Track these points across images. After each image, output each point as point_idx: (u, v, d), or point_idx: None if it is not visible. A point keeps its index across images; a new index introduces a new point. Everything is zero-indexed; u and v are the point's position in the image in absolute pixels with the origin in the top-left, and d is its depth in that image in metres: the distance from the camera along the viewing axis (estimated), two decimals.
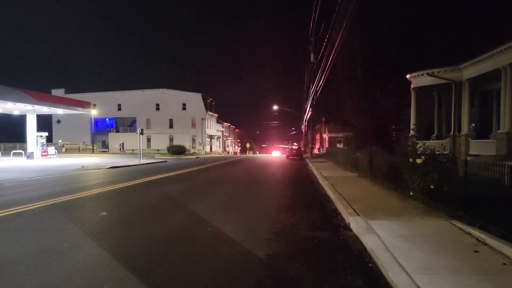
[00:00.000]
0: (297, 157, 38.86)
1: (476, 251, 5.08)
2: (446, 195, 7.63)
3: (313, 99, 38.13)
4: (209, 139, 67.08)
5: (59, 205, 9.06)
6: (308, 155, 42.24)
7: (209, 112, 65.31)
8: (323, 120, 58.12)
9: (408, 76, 24.03)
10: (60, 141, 54.40)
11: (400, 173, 10.13)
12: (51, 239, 5.99)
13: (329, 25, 19.57)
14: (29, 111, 31.82)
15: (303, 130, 55.38)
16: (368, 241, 5.60)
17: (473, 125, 23.92)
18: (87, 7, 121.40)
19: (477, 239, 5.62)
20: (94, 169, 21.05)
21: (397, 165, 10.80)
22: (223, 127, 77.04)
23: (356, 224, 6.71)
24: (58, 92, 60.30)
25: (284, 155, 53.11)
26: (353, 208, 8.17)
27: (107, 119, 68.76)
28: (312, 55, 34.72)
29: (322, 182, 14.29)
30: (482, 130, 23.01)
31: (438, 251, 5.06)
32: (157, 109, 64.48)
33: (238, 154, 73.20)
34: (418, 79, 23.32)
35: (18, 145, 42.17)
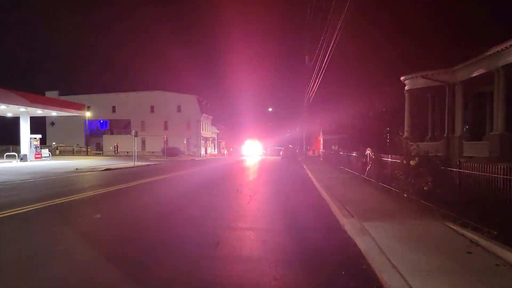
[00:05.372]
0: (292, 158, 38.89)
1: (469, 252, 5.11)
2: (440, 197, 7.66)
3: (308, 101, 38.20)
4: (204, 141, 66.92)
5: (53, 207, 8.99)
6: (303, 156, 42.32)
7: (204, 114, 65.16)
8: (318, 122, 58.21)
9: (402, 78, 24.15)
10: (54, 143, 54.02)
11: (395, 175, 10.17)
12: (45, 242, 5.95)
13: (324, 27, 19.61)
14: (22, 113, 31.57)
15: (299, 132, 55.45)
16: (362, 243, 5.62)
17: (467, 127, 24.03)
18: (80, 9, 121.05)
19: (471, 241, 5.65)
20: (88, 171, 20.93)
21: (391, 167, 10.86)
22: (218, 129, 76.87)
23: (350, 226, 6.72)
24: (52, 94, 59.84)
25: (272, 156, 53.13)
26: (347, 210, 8.19)
27: (101, 121, 68.41)
28: (306, 58, 34.81)
29: (317, 184, 14.31)
30: (476, 132, 23.10)
31: (432, 252, 5.09)
32: (152, 111, 64.20)
33: (234, 156, 73.02)
34: (412, 81, 23.45)
35: (11, 148, 41.73)
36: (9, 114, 34.10)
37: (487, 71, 18.14)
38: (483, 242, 5.42)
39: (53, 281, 4.34)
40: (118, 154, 55.65)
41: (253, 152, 71.64)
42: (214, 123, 73.57)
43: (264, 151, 69.05)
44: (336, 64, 28.94)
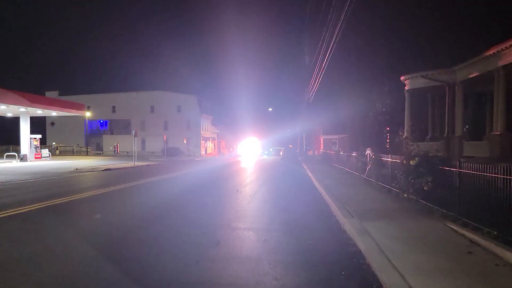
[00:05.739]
0: (292, 158, 38.86)
1: (469, 253, 5.10)
2: (440, 197, 7.65)
3: (308, 101, 38.19)
4: (204, 141, 66.89)
5: (53, 207, 8.99)
6: (303, 156, 42.31)
7: (204, 114, 65.15)
8: (319, 122, 58.20)
9: (402, 78, 24.12)
10: (54, 143, 53.98)
11: (394, 175, 10.16)
12: (45, 242, 5.94)
13: (324, 26, 19.65)
14: (22, 113, 31.56)
15: (299, 132, 55.44)
16: (362, 243, 5.61)
17: (467, 127, 24.00)
18: (80, 9, 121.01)
19: (471, 241, 5.65)
20: (88, 171, 20.92)
21: (391, 167, 10.85)
22: (218, 129, 76.87)
23: (350, 226, 6.72)
24: (52, 94, 59.81)
25: (271, 156, 53.09)
26: (347, 210, 8.19)
27: (101, 121, 68.39)
28: (306, 58, 34.81)
29: (317, 184, 14.31)
30: (476, 132, 23.08)
31: (432, 252, 5.08)
32: (152, 111, 64.18)
33: (234, 156, 73.02)
34: (412, 81, 23.42)
35: (11, 148, 41.73)
36: (9, 114, 34.09)
37: (487, 71, 18.12)
38: (483, 242, 5.42)
39: (53, 280, 4.34)
40: (118, 154, 55.64)
41: (252, 151, 71.13)
42: (214, 123, 73.50)
43: (266, 151, 68.58)
44: (336, 63, 28.86)
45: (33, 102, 28.93)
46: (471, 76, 19.76)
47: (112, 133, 66.90)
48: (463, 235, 5.98)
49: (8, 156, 32.92)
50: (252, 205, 9.97)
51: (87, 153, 55.30)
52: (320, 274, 4.60)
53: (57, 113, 36.60)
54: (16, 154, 31.69)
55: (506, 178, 5.49)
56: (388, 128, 31.48)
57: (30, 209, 8.65)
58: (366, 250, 5.30)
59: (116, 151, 57.32)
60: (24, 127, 32.30)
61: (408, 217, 7.48)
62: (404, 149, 9.46)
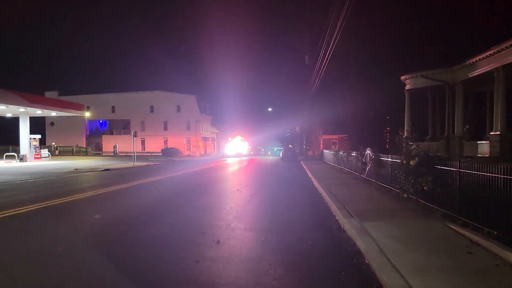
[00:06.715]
0: (292, 158, 38.86)
1: (469, 252, 5.09)
2: (440, 197, 7.64)
3: (308, 101, 38.18)
4: (203, 141, 66.83)
5: (53, 208, 8.97)
6: (303, 156, 42.32)
7: (203, 114, 65.11)
8: (318, 122, 58.17)
9: (402, 77, 24.11)
10: (53, 143, 53.94)
11: (394, 175, 10.15)
12: (45, 242, 5.93)
13: (324, 26, 19.66)
14: (22, 113, 31.54)
15: (299, 132, 55.43)
16: (362, 243, 5.60)
17: (467, 126, 23.98)
18: (80, 9, 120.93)
19: (471, 240, 5.64)
20: (87, 171, 20.91)
21: (391, 167, 10.84)
22: (217, 129, 76.85)
23: (350, 226, 6.70)
24: (51, 94, 59.63)
25: (268, 156, 53.09)
26: (347, 210, 8.17)
27: (100, 121, 68.33)
28: (306, 57, 34.80)
29: (317, 184, 14.29)
30: (476, 132, 23.07)
31: (432, 252, 5.07)
32: (152, 111, 64.09)
33: (232, 155, 72.86)
34: (413, 81, 23.42)
35: (11, 148, 41.67)
36: (9, 115, 34.08)
37: (487, 71, 18.12)
38: (483, 242, 5.40)
39: (53, 280, 4.32)
40: (118, 154, 55.61)
41: (252, 151, 70.27)
42: (213, 123, 73.43)
43: (263, 150, 68.21)
44: (336, 63, 28.84)
45: (33, 102, 28.91)
46: (471, 75, 19.76)
47: (111, 133, 66.85)
48: (463, 235, 5.97)
49: (7, 157, 32.85)
50: (252, 205, 9.96)
51: (86, 153, 55.27)
52: (320, 274, 4.58)
53: (56, 113, 36.59)
54: (15, 154, 31.65)
55: (506, 178, 5.48)
56: (388, 128, 31.48)
57: (30, 209, 8.64)
58: (366, 250, 5.29)
59: (115, 151, 57.30)
60: (24, 127, 32.28)
61: (408, 217, 7.46)
62: (404, 149, 9.45)
